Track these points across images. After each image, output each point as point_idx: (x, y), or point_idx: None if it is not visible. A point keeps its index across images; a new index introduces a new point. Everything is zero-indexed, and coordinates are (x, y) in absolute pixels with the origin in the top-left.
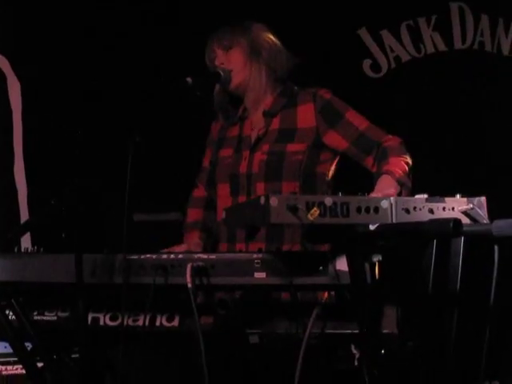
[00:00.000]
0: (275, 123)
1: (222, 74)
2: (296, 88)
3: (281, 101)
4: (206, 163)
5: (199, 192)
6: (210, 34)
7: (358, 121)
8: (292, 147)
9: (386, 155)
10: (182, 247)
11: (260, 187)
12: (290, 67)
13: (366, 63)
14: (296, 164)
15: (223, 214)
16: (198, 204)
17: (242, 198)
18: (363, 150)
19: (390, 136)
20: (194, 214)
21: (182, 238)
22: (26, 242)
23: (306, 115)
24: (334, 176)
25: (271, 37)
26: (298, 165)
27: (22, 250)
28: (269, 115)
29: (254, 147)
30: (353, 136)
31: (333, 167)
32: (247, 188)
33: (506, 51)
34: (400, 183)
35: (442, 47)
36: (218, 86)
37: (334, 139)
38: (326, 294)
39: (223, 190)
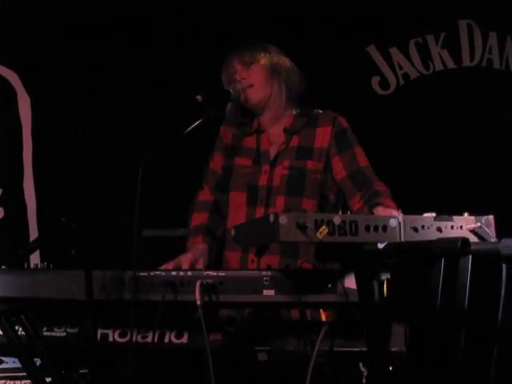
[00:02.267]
0: (295, 140)
1: (232, 92)
2: (316, 110)
3: (301, 120)
4: (214, 167)
5: (205, 195)
6: (227, 52)
7: (361, 157)
8: (312, 165)
9: (380, 195)
10: (188, 256)
11: (280, 200)
12: (304, 88)
13: (375, 80)
14: (315, 183)
15: (232, 232)
16: (204, 207)
17: (259, 209)
18: (356, 185)
19: (381, 182)
20: (198, 218)
21: None
22: (35, 258)
23: (323, 136)
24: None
25: (286, 58)
26: (317, 184)
27: (32, 266)
28: (289, 132)
29: (274, 162)
30: (352, 168)
31: (336, 194)
32: (266, 200)
33: None
34: None
35: (450, 64)
36: (230, 104)
37: (337, 165)
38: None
39: (239, 198)
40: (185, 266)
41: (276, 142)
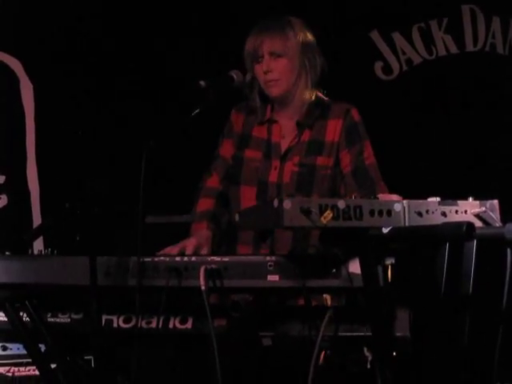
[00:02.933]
0: (306, 134)
1: (235, 77)
2: (328, 100)
3: (314, 112)
4: (225, 154)
5: (213, 182)
6: (257, 21)
7: (368, 155)
8: (321, 161)
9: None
10: (192, 241)
11: None
12: (324, 72)
13: (378, 66)
14: (325, 179)
15: (236, 217)
16: (211, 194)
17: None
18: (357, 183)
19: (383, 184)
20: (205, 204)
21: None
22: (38, 244)
23: (334, 129)
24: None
25: (313, 40)
26: (327, 180)
27: (36, 252)
28: (302, 126)
29: (285, 157)
30: (357, 165)
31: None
32: (276, 196)
33: None
34: None
35: (453, 49)
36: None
37: (345, 159)
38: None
39: (249, 192)
40: (189, 250)
41: (288, 135)
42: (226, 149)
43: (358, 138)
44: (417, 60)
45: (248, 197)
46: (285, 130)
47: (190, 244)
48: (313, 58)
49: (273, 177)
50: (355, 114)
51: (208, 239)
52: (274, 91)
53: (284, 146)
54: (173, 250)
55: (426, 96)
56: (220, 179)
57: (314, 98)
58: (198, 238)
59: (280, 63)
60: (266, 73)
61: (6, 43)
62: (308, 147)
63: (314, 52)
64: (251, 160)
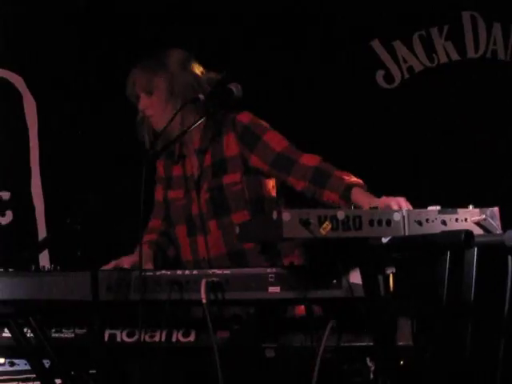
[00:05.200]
0: (207, 159)
1: (234, 91)
2: (219, 113)
3: (207, 134)
4: (158, 198)
5: (154, 223)
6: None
7: (274, 142)
8: (228, 178)
9: (327, 173)
10: (128, 258)
11: (213, 224)
12: (212, 87)
13: (380, 74)
14: (238, 194)
15: (236, 230)
16: (153, 231)
17: (199, 238)
18: (282, 171)
19: (308, 155)
20: (147, 237)
21: None
22: (44, 259)
23: (230, 144)
24: (282, 192)
25: (188, 65)
26: (240, 194)
27: (40, 267)
28: (200, 153)
29: (197, 186)
30: (269, 158)
31: (274, 188)
32: (202, 227)
33: None
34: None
35: (454, 56)
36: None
37: (256, 163)
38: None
39: (181, 231)
40: (125, 265)
41: (195, 165)
42: (158, 193)
43: (256, 137)
44: (418, 68)
45: (182, 235)
46: (192, 162)
47: (126, 260)
48: (189, 85)
49: (195, 209)
50: (243, 119)
51: (148, 257)
52: (156, 126)
53: (196, 175)
54: (108, 266)
55: (427, 104)
56: (160, 222)
57: (203, 120)
58: (135, 256)
59: (153, 100)
60: (142, 111)
61: (8, 60)
62: (212, 170)
63: (189, 78)
64: (175, 200)
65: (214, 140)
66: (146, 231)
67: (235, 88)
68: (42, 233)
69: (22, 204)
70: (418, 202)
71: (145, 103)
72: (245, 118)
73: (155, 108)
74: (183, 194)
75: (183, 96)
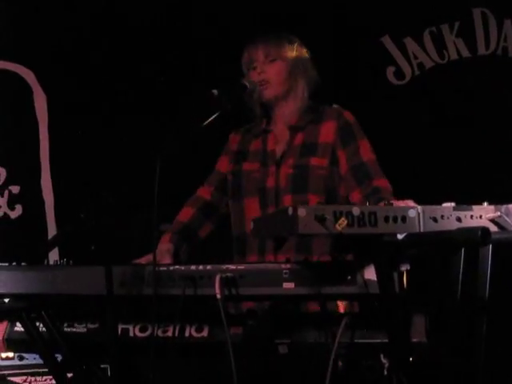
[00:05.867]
0: (299, 138)
1: (248, 85)
2: (323, 106)
3: (307, 116)
4: (219, 168)
5: (203, 192)
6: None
7: (365, 152)
8: (315, 161)
9: (380, 191)
10: (144, 259)
11: (287, 200)
12: (318, 85)
13: (390, 70)
14: (320, 178)
15: (251, 225)
16: (195, 204)
17: (271, 210)
18: (356, 180)
19: (384, 179)
20: (184, 214)
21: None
22: (54, 254)
23: (328, 131)
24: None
25: (307, 53)
26: (323, 180)
27: (51, 262)
28: (294, 130)
29: (280, 162)
30: (354, 163)
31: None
32: (275, 201)
33: None
34: None
35: (465, 53)
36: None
37: (342, 159)
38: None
39: (253, 203)
40: (142, 261)
41: (281, 141)
42: (221, 164)
43: (353, 137)
44: (429, 64)
45: (252, 207)
46: (279, 137)
47: (144, 258)
48: (309, 69)
49: (270, 182)
50: (348, 116)
51: (167, 251)
52: (266, 93)
53: (279, 151)
54: None
55: (438, 100)
56: (211, 190)
57: (306, 105)
58: (158, 251)
59: (274, 66)
60: (259, 73)
61: (18, 54)
62: (301, 149)
63: (307, 65)
64: (250, 172)
65: (311, 122)
66: (190, 200)
67: (249, 83)
68: (52, 226)
69: (31, 198)
70: (431, 199)
71: (265, 67)
72: (350, 116)
73: (273, 76)
74: (258, 166)
75: (304, 75)
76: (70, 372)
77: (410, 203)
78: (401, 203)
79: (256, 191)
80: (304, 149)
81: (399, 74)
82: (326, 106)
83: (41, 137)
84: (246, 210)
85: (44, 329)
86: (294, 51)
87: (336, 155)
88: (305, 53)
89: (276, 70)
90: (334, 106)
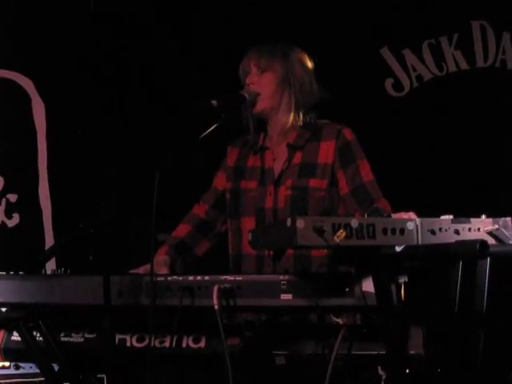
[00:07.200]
0: (298, 157)
1: (247, 96)
2: (320, 121)
3: (305, 134)
4: (216, 184)
5: (198, 209)
6: (249, 47)
7: (365, 172)
8: (314, 182)
9: (381, 213)
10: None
11: None
12: (317, 100)
13: (389, 82)
14: (320, 201)
15: (249, 236)
16: (191, 221)
17: None
18: (357, 202)
19: (384, 200)
20: (180, 229)
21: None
22: (51, 264)
23: (327, 151)
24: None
25: (308, 66)
26: (322, 202)
27: (49, 272)
28: (293, 148)
29: (278, 181)
30: (355, 185)
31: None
32: (274, 222)
33: None
34: None
35: (464, 65)
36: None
37: (341, 180)
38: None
39: (249, 223)
40: (140, 272)
41: (280, 159)
42: (218, 180)
43: (353, 158)
44: (427, 76)
45: (249, 227)
46: (276, 155)
47: (141, 268)
48: (304, 83)
49: (268, 203)
50: (348, 134)
51: (164, 262)
52: (257, 106)
53: (277, 169)
54: None
55: (436, 112)
56: (206, 208)
57: (302, 120)
58: (155, 262)
59: (264, 78)
60: (249, 85)
61: (17, 62)
62: (300, 169)
63: (302, 78)
64: (247, 190)
65: (310, 141)
66: (186, 217)
67: (248, 94)
68: (49, 235)
69: (29, 206)
70: (429, 211)
71: (254, 79)
72: (350, 134)
73: (263, 88)
74: (256, 185)
75: (295, 89)
76: (66, 382)
77: (413, 215)
78: (404, 215)
79: (254, 211)
80: (303, 169)
81: (398, 85)
82: (325, 121)
83: (39, 145)
84: (243, 229)
85: (41, 338)
86: (286, 67)
87: (335, 176)
88: (304, 65)
89: (266, 81)
90: (334, 123)
